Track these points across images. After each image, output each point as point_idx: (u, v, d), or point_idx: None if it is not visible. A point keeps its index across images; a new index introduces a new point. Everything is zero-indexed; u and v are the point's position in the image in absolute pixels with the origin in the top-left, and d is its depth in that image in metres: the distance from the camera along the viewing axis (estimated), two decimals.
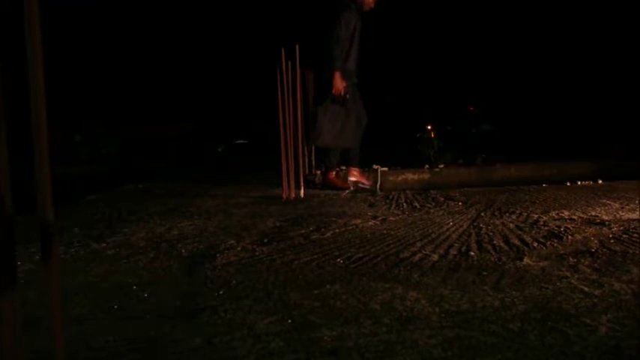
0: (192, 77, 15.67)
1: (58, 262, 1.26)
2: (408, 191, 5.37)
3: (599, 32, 11.66)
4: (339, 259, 2.83)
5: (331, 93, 5.61)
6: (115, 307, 2.25)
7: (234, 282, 2.52)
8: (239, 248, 3.18)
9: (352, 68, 5.76)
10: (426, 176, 7.74)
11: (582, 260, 2.66)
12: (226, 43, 15.33)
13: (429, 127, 9.18)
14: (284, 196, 5.20)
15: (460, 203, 4.47)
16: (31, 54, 1.17)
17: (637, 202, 4.20)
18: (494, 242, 3.08)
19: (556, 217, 3.76)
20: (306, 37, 5.94)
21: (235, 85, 15.35)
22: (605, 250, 2.84)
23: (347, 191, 5.62)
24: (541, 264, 2.62)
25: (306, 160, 6.84)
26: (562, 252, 2.83)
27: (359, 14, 5.77)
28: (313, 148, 7.27)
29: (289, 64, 5.39)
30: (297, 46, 5.57)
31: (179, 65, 15.60)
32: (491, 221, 3.68)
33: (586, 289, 2.23)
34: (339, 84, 5.56)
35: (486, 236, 3.24)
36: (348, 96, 5.66)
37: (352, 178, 6.03)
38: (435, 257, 2.81)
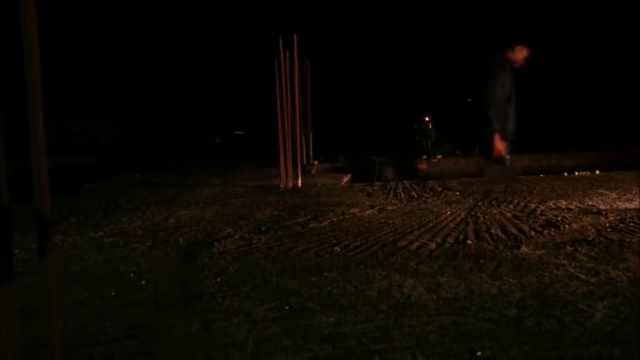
0: (191, 68, 15.62)
1: (54, 251, 1.26)
2: (405, 181, 5.37)
3: (598, 27, 11.66)
4: (336, 247, 2.83)
5: (492, 154, 5.62)
6: (113, 294, 2.26)
7: (231, 269, 2.52)
8: (236, 237, 3.18)
9: (511, 128, 5.75)
10: (424, 166, 7.75)
11: (579, 249, 2.66)
12: (224, 32, 15.27)
13: (427, 119, 9.19)
14: (282, 185, 5.20)
15: (458, 193, 4.47)
16: (28, 45, 1.16)
17: (634, 192, 4.21)
18: (492, 231, 3.09)
19: (553, 206, 3.77)
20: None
21: (233, 76, 15.31)
22: (601, 238, 2.84)
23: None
24: (538, 252, 2.63)
25: (304, 151, 6.84)
26: (559, 240, 2.83)
27: (512, 72, 5.75)
28: (311, 137, 7.28)
29: (287, 53, 5.38)
30: (295, 36, 5.55)
31: (177, 56, 15.55)
32: (489, 210, 3.68)
33: (583, 276, 2.23)
34: (500, 146, 5.59)
35: (484, 225, 3.24)
36: (508, 156, 5.68)
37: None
38: (433, 246, 2.81)
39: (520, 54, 5.71)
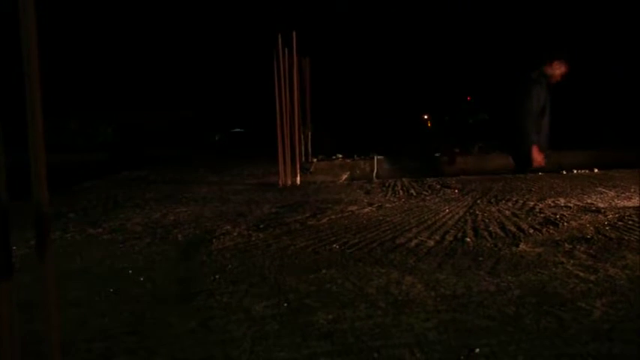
0: (190, 66, 15.60)
1: (53, 248, 1.25)
2: (404, 179, 5.37)
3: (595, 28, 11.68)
4: (335, 245, 2.83)
5: (531, 166, 5.63)
6: (111, 290, 2.25)
7: (229, 266, 2.52)
8: (235, 234, 3.18)
9: (544, 141, 5.80)
10: (423, 164, 7.74)
11: (578, 246, 2.66)
12: (223, 30, 15.25)
13: (426, 117, 9.21)
14: (280, 183, 5.20)
15: (456, 191, 4.47)
16: (26, 41, 1.16)
17: (632, 190, 4.21)
18: (490, 229, 3.09)
19: (552, 204, 3.77)
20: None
21: (232, 74, 15.29)
22: (600, 236, 2.84)
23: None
24: (537, 250, 2.63)
25: (303, 148, 6.84)
26: (558, 238, 2.83)
27: (547, 87, 5.78)
28: (310, 135, 7.28)
29: (286, 50, 5.37)
30: (294, 33, 5.54)
31: (177, 54, 15.53)
32: (488, 208, 3.68)
33: (581, 274, 2.23)
34: (538, 157, 5.62)
35: (482, 223, 3.24)
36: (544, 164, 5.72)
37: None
38: (431, 243, 2.81)
39: (558, 70, 5.79)
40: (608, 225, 3.09)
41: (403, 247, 2.75)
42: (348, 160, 7.59)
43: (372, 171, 7.37)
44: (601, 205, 3.69)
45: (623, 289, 2.04)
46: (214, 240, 3.04)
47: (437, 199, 4.11)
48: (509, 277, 2.22)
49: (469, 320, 1.79)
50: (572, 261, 2.42)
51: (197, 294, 2.16)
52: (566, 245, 2.69)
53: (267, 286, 2.22)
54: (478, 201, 3.96)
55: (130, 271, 2.51)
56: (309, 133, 7.42)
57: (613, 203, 3.73)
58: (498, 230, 3.05)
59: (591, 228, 3.03)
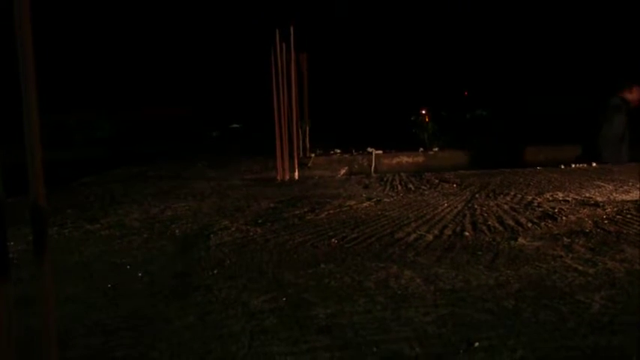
0: (188, 61, 15.57)
1: (50, 243, 1.25)
2: (402, 173, 5.36)
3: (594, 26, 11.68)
4: (333, 239, 2.83)
5: None
6: (109, 286, 2.25)
7: (228, 261, 2.52)
8: (233, 229, 3.17)
9: (624, 161, 5.86)
10: (421, 159, 7.75)
11: (576, 240, 2.66)
12: (221, 25, 15.21)
13: (424, 112, 9.19)
14: (278, 178, 5.18)
15: (455, 185, 4.47)
16: (21, 36, 1.15)
17: (631, 184, 4.21)
18: (489, 223, 3.08)
19: (550, 198, 3.77)
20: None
21: (230, 69, 15.26)
22: (599, 230, 2.84)
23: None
24: (535, 244, 2.62)
25: (301, 143, 6.83)
26: (556, 232, 2.83)
27: (627, 112, 5.91)
28: (308, 130, 7.27)
29: (284, 45, 5.35)
30: (291, 28, 5.53)
31: (175, 49, 15.49)
32: (486, 202, 3.68)
33: (580, 267, 2.23)
34: None
35: (481, 217, 3.24)
36: None
37: None
38: (430, 237, 2.80)
39: (637, 94, 5.89)
40: (607, 219, 3.09)
41: (402, 241, 2.75)
42: (347, 155, 7.59)
43: (371, 166, 7.37)
44: (599, 198, 3.69)
45: (622, 282, 2.04)
46: (212, 235, 3.04)
47: (435, 194, 4.10)
48: (508, 271, 2.22)
49: (468, 314, 1.79)
50: (570, 255, 2.42)
51: (195, 289, 2.16)
52: (565, 239, 2.69)
53: (265, 280, 2.22)
54: (476, 195, 3.96)
55: (128, 267, 2.51)
56: (307, 128, 7.40)
57: (611, 197, 3.73)
58: (497, 224, 3.04)
59: (590, 222, 3.03)
